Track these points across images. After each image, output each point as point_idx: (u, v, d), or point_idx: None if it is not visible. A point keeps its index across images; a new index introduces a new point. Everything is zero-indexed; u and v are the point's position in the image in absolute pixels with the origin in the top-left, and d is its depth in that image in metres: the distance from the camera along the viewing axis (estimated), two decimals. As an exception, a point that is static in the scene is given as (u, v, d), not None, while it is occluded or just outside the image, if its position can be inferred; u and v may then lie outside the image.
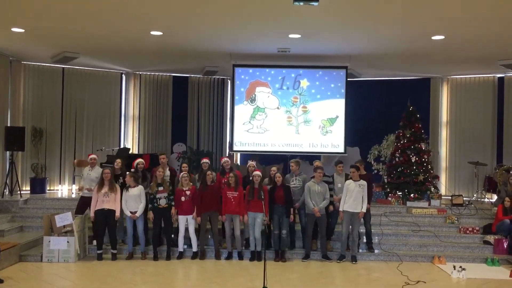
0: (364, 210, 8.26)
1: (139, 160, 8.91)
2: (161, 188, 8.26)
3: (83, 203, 8.67)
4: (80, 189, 8.75)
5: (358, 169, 8.44)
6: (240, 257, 8.40)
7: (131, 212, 8.21)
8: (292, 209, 8.26)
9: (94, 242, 8.51)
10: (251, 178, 8.59)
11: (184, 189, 8.31)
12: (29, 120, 11.72)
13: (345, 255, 8.38)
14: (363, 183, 8.31)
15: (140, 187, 8.34)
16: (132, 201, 8.24)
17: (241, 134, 11.32)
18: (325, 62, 11.01)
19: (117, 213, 8.23)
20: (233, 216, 8.30)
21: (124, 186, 8.39)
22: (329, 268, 7.96)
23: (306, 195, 8.33)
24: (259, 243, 8.22)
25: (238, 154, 13.22)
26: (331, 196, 8.51)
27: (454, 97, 13.07)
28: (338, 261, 8.30)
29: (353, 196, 8.22)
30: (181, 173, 8.47)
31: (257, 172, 8.29)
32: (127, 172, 8.58)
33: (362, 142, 12.66)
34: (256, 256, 8.26)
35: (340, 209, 8.33)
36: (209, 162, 8.85)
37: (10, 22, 8.22)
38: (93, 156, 9.05)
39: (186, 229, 8.36)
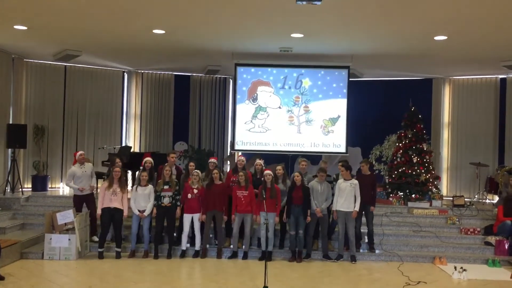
0: (357, 209, 8.26)
1: (147, 158, 8.87)
2: (166, 187, 8.25)
3: (78, 202, 8.69)
4: (82, 190, 8.67)
5: (348, 168, 8.40)
6: (245, 256, 8.38)
7: (139, 211, 8.23)
8: (309, 210, 8.23)
9: (94, 237, 8.55)
10: (258, 176, 8.59)
11: (193, 186, 8.30)
12: (31, 118, 11.72)
13: (343, 254, 8.39)
14: (355, 182, 8.33)
15: (150, 186, 8.35)
16: (141, 200, 8.25)
17: (242, 133, 11.30)
18: (327, 62, 10.98)
19: (125, 213, 8.25)
20: (244, 215, 8.28)
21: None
22: (330, 268, 7.96)
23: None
24: (271, 243, 8.20)
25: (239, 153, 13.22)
26: (332, 195, 8.51)
27: (456, 98, 13.04)
28: (335, 260, 8.32)
29: (344, 196, 8.24)
30: (193, 171, 8.43)
31: (269, 171, 8.25)
32: (142, 172, 8.50)
33: (363, 142, 12.66)
34: (267, 256, 7.82)
35: (333, 208, 8.36)
36: (216, 162, 8.84)
37: (13, 19, 8.22)
38: (82, 152, 9.06)
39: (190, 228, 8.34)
